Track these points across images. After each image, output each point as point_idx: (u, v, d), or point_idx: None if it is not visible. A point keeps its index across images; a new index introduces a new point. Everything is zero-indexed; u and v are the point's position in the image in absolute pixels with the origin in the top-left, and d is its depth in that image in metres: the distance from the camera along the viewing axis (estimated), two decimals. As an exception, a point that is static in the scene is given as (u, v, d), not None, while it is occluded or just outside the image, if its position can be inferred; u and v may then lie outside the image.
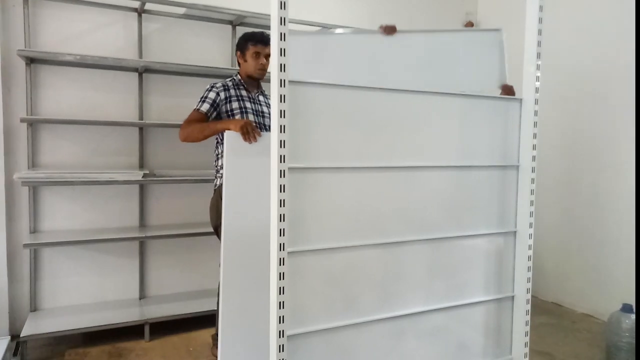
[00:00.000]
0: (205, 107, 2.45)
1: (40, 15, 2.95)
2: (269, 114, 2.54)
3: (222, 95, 2.48)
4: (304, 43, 1.74)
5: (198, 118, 2.44)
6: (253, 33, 2.57)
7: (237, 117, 2.47)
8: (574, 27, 3.52)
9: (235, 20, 3.38)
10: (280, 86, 1.51)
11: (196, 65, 3.17)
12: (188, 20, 3.32)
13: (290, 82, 1.53)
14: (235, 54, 2.65)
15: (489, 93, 2.14)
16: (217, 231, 2.44)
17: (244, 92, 2.56)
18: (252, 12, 3.19)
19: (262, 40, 2.52)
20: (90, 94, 3.09)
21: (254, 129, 2.09)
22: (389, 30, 1.94)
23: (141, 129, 3.23)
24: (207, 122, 2.40)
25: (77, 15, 3.03)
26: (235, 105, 2.49)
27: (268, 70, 2.58)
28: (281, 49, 1.50)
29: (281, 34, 1.50)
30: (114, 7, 3.10)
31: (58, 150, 3.03)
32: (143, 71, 3.19)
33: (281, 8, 1.49)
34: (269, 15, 1.52)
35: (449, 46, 2.10)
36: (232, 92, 2.52)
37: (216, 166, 2.58)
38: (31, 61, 2.91)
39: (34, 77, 2.94)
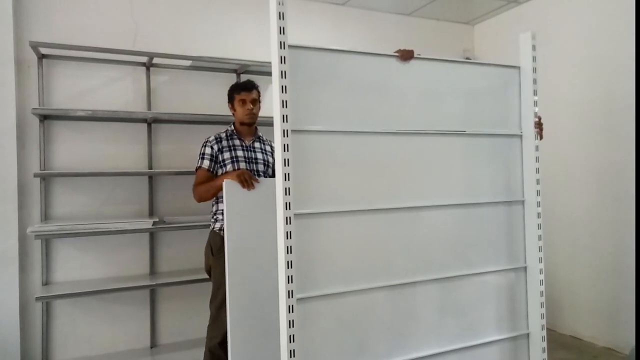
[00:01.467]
0: (205, 163, 2.58)
1: (53, 74, 3.08)
2: (263, 160, 2.63)
3: (216, 147, 2.60)
4: (312, 58, 1.66)
5: (202, 177, 2.57)
6: (236, 83, 2.73)
7: (229, 166, 2.56)
8: (574, 59, 3.59)
9: (240, 69, 3.50)
10: (284, 136, 1.56)
11: (203, 114, 3.27)
12: (194, 71, 3.45)
13: (293, 131, 1.58)
14: (228, 107, 2.76)
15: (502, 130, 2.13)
16: (209, 274, 2.57)
17: (237, 142, 2.65)
18: (255, 61, 3.31)
19: (244, 87, 2.66)
20: (101, 146, 3.18)
21: (251, 177, 2.23)
22: (407, 55, 1.88)
23: (150, 178, 3.29)
24: (210, 182, 2.51)
25: (88, 72, 3.16)
26: (227, 155, 2.59)
27: (259, 113, 2.69)
28: (283, 101, 1.56)
29: (282, 86, 1.56)
30: (123, 62, 3.23)
31: (70, 201, 3.09)
32: (152, 122, 3.29)
33: (281, 63, 1.56)
34: (270, 62, 1.60)
35: (466, 78, 2.04)
36: (225, 143, 2.62)
37: (211, 211, 2.64)
38: (44, 118, 3.01)
39: (47, 133, 3.04)
